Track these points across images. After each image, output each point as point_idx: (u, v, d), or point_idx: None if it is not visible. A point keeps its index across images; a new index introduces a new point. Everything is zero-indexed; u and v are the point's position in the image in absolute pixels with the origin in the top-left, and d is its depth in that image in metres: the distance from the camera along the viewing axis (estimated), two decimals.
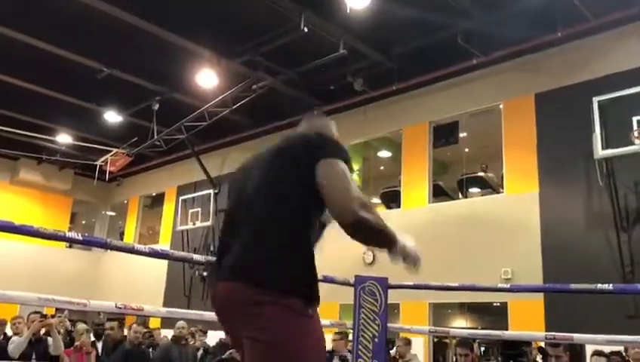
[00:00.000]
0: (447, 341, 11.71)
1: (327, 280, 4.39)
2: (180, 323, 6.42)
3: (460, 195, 11.71)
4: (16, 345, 4.90)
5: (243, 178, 1.96)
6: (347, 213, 1.69)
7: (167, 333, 9.28)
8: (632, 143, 7.63)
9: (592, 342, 4.82)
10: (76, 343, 5.99)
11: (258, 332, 1.61)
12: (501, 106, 10.10)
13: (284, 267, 1.68)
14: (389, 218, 11.20)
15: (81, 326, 6.48)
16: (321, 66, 9.76)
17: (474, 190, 11.75)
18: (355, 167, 12.79)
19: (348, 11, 8.18)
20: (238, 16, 9.15)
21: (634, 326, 6.91)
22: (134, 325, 6.84)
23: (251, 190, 1.82)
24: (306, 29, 8.57)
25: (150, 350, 7.39)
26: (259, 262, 1.67)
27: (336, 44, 9.12)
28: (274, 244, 1.70)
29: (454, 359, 5.90)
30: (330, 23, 8.94)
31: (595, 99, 8.16)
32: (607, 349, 5.22)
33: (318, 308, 1.75)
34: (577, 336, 4.03)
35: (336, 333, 7.12)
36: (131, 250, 3.43)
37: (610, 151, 7.98)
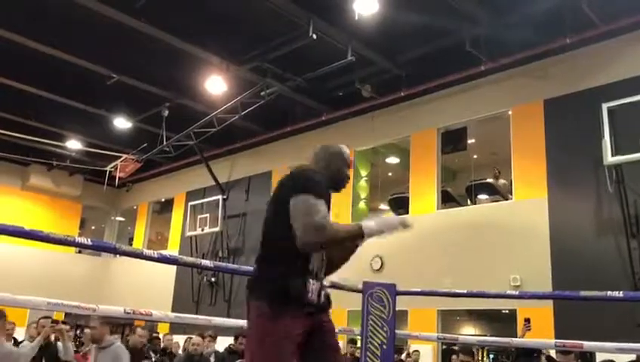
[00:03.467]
0: (456, 348, 11.64)
1: (335, 286, 4.39)
2: (195, 340, 6.38)
3: (469, 201, 11.67)
4: (26, 351, 4.92)
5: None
6: (306, 246, 2.13)
7: (178, 338, 9.30)
8: None
9: (602, 350, 4.78)
10: (85, 348, 6.02)
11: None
12: (510, 112, 10.07)
13: (259, 278, 2.23)
14: None
15: (88, 331, 6.49)
16: (330, 73, 9.79)
17: (482, 196, 11.71)
18: (363, 173, 12.78)
19: (356, 18, 8.20)
20: (247, 23, 9.20)
21: None
22: (139, 329, 6.85)
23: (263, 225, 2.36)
24: (314, 36, 8.60)
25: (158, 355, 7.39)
26: (251, 278, 2.31)
27: (345, 50, 9.15)
28: (259, 266, 2.27)
29: None
30: (338, 30, 8.97)
31: (605, 106, 8.12)
32: (617, 357, 5.18)
33: (293, 311, 2.13)
34: (587, 344, 4.00)
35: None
36: (140, 255, 3.44)
37: (619, 158, 7.92)
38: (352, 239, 2.24)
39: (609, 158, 7.95)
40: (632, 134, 7.83)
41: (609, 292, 3.66)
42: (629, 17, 8.27)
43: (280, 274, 2.15)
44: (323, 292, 2.31)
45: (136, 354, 5.99)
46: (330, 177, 2.42)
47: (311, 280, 2.21)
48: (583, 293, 3.92)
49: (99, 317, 4.64)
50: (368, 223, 2.20)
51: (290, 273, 2.15)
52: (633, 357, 5.87)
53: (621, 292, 3.80)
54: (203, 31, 9.37)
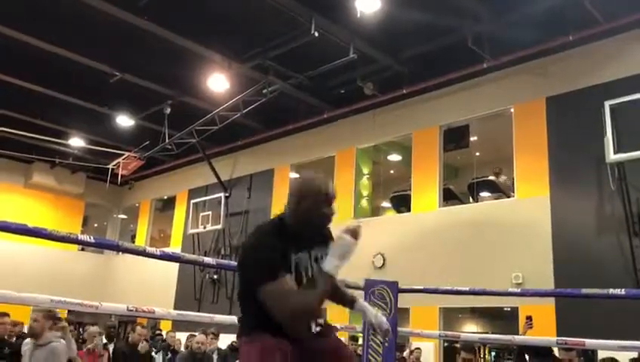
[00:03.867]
0: (458, 345, 11.65)
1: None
2: (199, 338, 6.38)
3: (471, 199, 11.67)
4: (29, 348, 4.94)
5: None
6: (296, 332, 2.14)
7: (180, 336, 9.33)
8: None
9: (605, 348, 4.79)
10: (89, 346, 6.04)
11: None
12: (512, 110, 10.06)
13: (243, 324, 2.27)
14: (400, 221, 11.19)
15: (93, 328, 6.53)
16: (331, 70, 9.79)
17: (485, 194, 11.71)
18: (365, 171, 12.78)
19: (358, 15, 8.20)
20: (249, 21, 9.20)
21: None
22: (138, 327, 6.86)
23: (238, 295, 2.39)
24: (316, 33, 8.60)
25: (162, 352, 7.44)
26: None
27: (347, 48, 9.15)
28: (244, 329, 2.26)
29: None
30: (340, 27, 8.97)
31: (607, 103, 8.11)
32: (619, 355, 5.18)
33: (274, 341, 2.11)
34: (589, 342, 4.01)
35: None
36: (143, 253, 3.46)
37: (622, 156, 7.92)
38: (328, 289, 2.11)
39: (611, 156, 7.95)
40: (635, 132, 7.83)
41: (611, 290, 3.67)
42: (631, 15, 8.24)
43: (258, 323, 2.15)
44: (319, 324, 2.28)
45: (136, 351, 6.02)
46: (299, 220, 2.23)
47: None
48: (585, 291, 3.93)
49: (42, 310, 4.38)
50: (330, 265, 2.10)
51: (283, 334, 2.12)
52: (635, 354, 5.87)
53: (623, 289, 3.81)
54: (205, 29, 9.37)
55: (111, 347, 7.34)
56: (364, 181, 12.74)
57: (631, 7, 8.17)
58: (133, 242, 17.25)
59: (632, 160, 7.87)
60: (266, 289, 2.06)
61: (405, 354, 9.08)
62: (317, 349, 2.21)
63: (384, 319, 2.42)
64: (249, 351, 2.14)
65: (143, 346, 6.79)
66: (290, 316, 2.06)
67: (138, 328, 6.59)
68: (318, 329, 2.26)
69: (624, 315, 7.09)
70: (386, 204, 14.32)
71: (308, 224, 2.24)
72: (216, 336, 8.09)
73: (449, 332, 7.38)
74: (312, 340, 2.21)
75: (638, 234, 7.98)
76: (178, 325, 11.34)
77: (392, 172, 14.30)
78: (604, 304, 6.89)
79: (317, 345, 2.21)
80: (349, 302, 2.48)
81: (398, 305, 4.30)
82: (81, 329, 11.00)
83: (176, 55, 10.01)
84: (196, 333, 6.83)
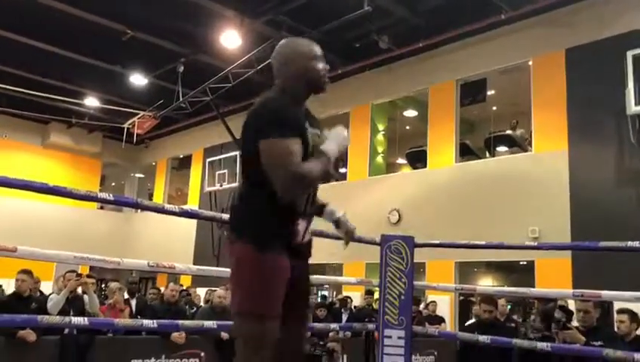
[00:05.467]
0: (474, 299, 11.78)
1: (354, 239, 4.42)
2: (220, 292, 6.47)
3: (488, 154, 11.57)
4: (55, 303, 5.08)
5: None
6: (286, 197, 2.01)
7: (200, 291, 9.53)
8: None
9: (620, 299, 4.79)
10: (109, 301, 6.19)
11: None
12: (530, 63, 9.85)
13: (242, 219, 2.13)
14: (416, 177, 11.17)
15: (114, 284, 6.67)
16: (346, 24, 9.59)
17: (501, 148, 11.61)
18: (381, 127, 12.69)
19: None
20: None
21: None
22: (171, 283, 6.96)
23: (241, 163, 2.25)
24: None
25: (187, 307, 7.59)
26: (232, 216, 2.23)
27: (361, 0, 8.95)
28: (241, 205, 2.14)
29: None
30: None
31: (630, 53, 7.90)
32: (634, 306, 5.20)
33: (280, 250, 2.06)
34: (605, 293, 4.01)
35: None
36: (162, 210, 3.50)
37: None
38: (320, 179, 2.05)
39: (633, 108, 7.79)
40: None
41: (629, 243, 3.64)
42: None
43: (266, 214, 2.04)
44: (309, 231, 2.21)
45: (173, 307, 6.13)
46: (296, 84, 2.15)
47: (300, 220, 2.12)
48: (602, 244, 3.91)
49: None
50: (328, 148, 2.07)
51: (277, 213, 2.02)
52: None
53: None
54: None
55: (133, 302, 7.53)
56: (380, 137, 12.67)
57: None
58: (151, 200, 17.45)
59: None
60: (271, 142, 1.96)
61: (421, 307, 9.20)
62: (295, 276, 2.09)
63: (340, 131, 2.22)
64: (251, 264, 2.01)
65: (177, 300, 6.81)
66: (291, 176, 1.93)
67: (171, 284, 6.69)
68: (308, 238, 2.22)
69: None
70: (402, 160, 14.27)
71: (308, 84, 2.19)
72: None
73: (465, 286, 7.44)
74: (295, 259, 2.11)
75: None
76: (197, 281, 11.57)
77: (407, 128, 14.18)
78: (621, 257, 6.87)
79: (296, 272, 2.10)
80: (319, 206, 2.37)
81: (414, 260, 4.33)
82: (103, 286, 11.28)
83: (189, 12, 9.88)
84: (215, 289, 6.95)
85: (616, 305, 5.68)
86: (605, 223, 8.03)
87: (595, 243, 4.00)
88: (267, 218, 2.04)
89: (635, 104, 7.77)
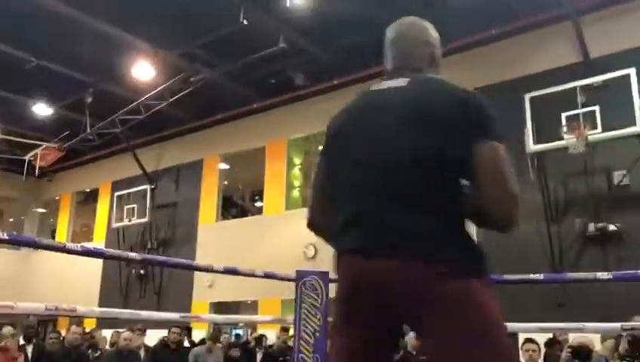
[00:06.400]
0: None
1: (269, 276, 4.36)
2: (126, 335, 6.13)
3: None
4: None
5: (361, 133, 1.59)
6: (510, 222, 1.52)
7: (107, 333, 8.97)
8: (562, 138, 7.96)
9: (525, 330, 4.99)
10: (1, 343, 5.69)
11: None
12: None
13: (453, 243, 1.49)
14: None
15: (6, 329, 6.16)
16: (262, 60, 9.66)
17: None
18: (297, 161, 12.76)
19: (288, 5, 8.13)
20: (176, 7, 8.91)
21: (561, 313, 7.26)
22: (73, 326, 6.53)
23: (388, 155, 1.49)
24: (245, 22, 8.46)
25: (90, 352, 7.12)
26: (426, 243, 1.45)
27: (276, 37, 9.06)
28: (436, 223, 1.46)
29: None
30: (270, 16, 8.86)
31: (527, 96, 8.45)
32: (539, 336, 5.43)
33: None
34: (510, 325, 4.16)
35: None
36: (62, 249, 3.27)
37: (540, 146, 8.29)
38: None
39: (531, 147, 8.30)
40: (553, 123, 8.20)
41: (531, 275, 3.83)
42: (549, 11, 8.63)
43: (470, 237, 1.53)
44: None
45: (74, 352, 5.74)
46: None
47: None
48: (507, 277, 4.08)
49: None
50: None
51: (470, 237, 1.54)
52: (550, 335, 6.18)
53: (542, 274, 3.99)
54: (130, 14, 9.00)
55: (29, 348, 6.96)
56: (296, 171, 12.72)
57: (549, 4, 8.55)
58: (54, 237, 16.49)
59: (550, 150, 8.25)
60: (500, 148, 1.48)
61: None
62: None
63: None
64: (496, 305, 1.43)
65: (79, 344, 6.40)
66: (515, 195, 1.48)
67: (73, 327, 6.24)
68: None
69: (542, 298, 7.46)
70: None
71: None
72: (142, 332, 7.86)
73: None
74: None
75: (556, 221, 8.40)
76: (103, 323, 10.93)
77: None
78: (524, 288, 7.20)
79: None
80: None
81: (330, 295, 4.31)
82: None
83: (99, 41, 9.57)
84: (121, 330, 6.58)
85: (521, 336, 5.91)
86: (507, 256, 8.41)
87: (500, 276, 4.16)
88: (473, 241, 1.53)
89: (534, 143, 8.29)
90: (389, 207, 1.45)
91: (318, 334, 4.21)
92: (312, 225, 1.76)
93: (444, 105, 1.50)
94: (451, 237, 1.47)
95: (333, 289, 4.36)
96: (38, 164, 13.51)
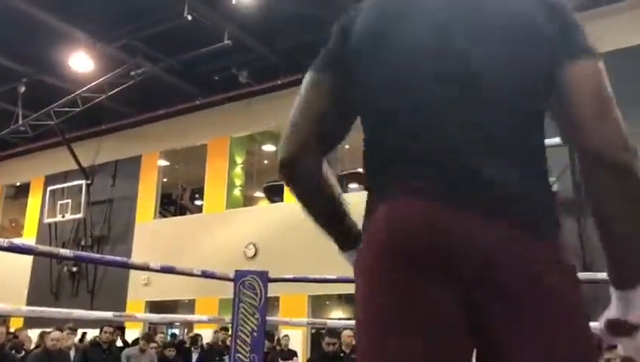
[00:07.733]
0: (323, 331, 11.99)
1: (207, 275, 4.31)
2: (55, 335, 5.89)
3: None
4: None
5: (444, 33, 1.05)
6: (612, 170, 0.96)
7: (34, 334, 8.61)
8: None
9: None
10: None
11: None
12: None
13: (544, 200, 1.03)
14: (273, 211, 11.22)
15: None
16: (205, 56, 9.54)
17: (353, 186, 12.12)
18: (239, 160, 12.66)
19: (234, 2, 8.07)
20: None
21: None
22: None
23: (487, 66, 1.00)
24: (189, 17, 8.33)
25: (13, 352, 6.82)
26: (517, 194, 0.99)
27: (221, 34, 8.96)
28: (534, 177, 1.02)
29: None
30: (215, 12, 8.76)
31: None
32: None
33: None
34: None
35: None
36: None
37: None
38: None
39: None
40: None
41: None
42: None
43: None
44: None
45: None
46: None
47: None
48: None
49: None
50: None
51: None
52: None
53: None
54: (68, 3, 8.68)
55: None
56: (238, 170, 12.62)
57: None
58: None
59: None
60: (602, 68, 1.00)
61: (275, 342, 9.16)
62: None
63: None
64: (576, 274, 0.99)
65: (3, 344, 6.11)
66: (624, 141, 0.96)
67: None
68: None
69: None
70: (260, 194, 14.31)
71: None
72: (73, 332, 7.59)
73: (316, 320, 7.56)
74: None
75: None
76: (31, 322, 10.49)
77: (266, 162, 14.30)
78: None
79: None
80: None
81: (269, 294, 4.30)
82: None
83: (34, 30, 9.19)
84: (49, 329, 6.32)
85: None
86: None
87: None
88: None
89: None
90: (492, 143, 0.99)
91: (255, 334, 4.20)
92: (291, 162, 1.24)
93: (531, 8, 1.04)
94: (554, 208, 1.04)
95: (272, 289, 4.37)
96: None
